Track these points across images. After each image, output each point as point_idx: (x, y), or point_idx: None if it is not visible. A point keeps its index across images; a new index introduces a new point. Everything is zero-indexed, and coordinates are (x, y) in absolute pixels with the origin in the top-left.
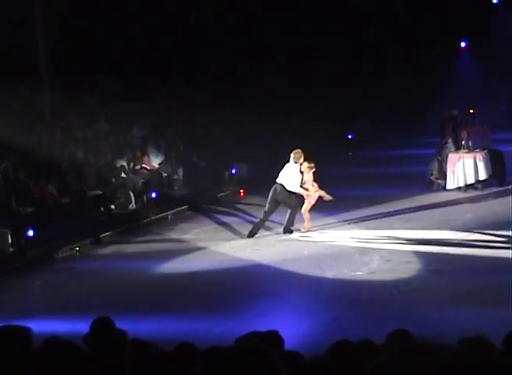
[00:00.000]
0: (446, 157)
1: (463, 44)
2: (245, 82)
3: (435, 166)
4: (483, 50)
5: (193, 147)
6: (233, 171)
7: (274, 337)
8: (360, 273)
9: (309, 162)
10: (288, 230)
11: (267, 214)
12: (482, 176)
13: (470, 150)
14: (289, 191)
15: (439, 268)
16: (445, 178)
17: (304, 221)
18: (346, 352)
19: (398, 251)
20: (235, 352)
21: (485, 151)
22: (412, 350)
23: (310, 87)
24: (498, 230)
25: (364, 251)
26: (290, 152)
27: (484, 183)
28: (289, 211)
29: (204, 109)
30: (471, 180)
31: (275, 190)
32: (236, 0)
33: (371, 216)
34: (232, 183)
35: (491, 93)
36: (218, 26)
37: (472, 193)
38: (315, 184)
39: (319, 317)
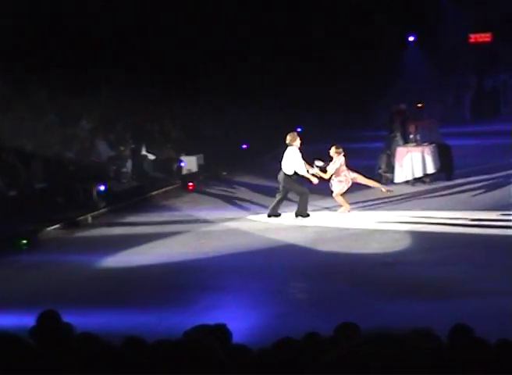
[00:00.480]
0: (395, 151)
1: (411, 39)
2: (194, 76)
3: (384, 159)
4: (431, 44)
5: (142, 140)
6: (182, 164)
7: (222, 331)
8: (303, 262)
9: (336, 147)
10: (300, 214)
11: (279, 197)
12: (430, 169)
13: (418, 144)
14: (292, 176)
15: (389, 261)
16: (393, 172)
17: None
18: (291, 346)
19: (348, 246)
20: (182, 345)
21: (433, 145)
22: (360, 344)
23: (260, 82)
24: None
25: (315, 244)
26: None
27: (432, 177)
28: (299, 197)
29: (154, 102)
30: (418, 173)
31: (280, 175)
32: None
33: (322, 209)
34: (181, 176)
35: (439, 87)
36: (166, 22)
37: (421, 186)
38: (346, 170)
39: (268, 310)
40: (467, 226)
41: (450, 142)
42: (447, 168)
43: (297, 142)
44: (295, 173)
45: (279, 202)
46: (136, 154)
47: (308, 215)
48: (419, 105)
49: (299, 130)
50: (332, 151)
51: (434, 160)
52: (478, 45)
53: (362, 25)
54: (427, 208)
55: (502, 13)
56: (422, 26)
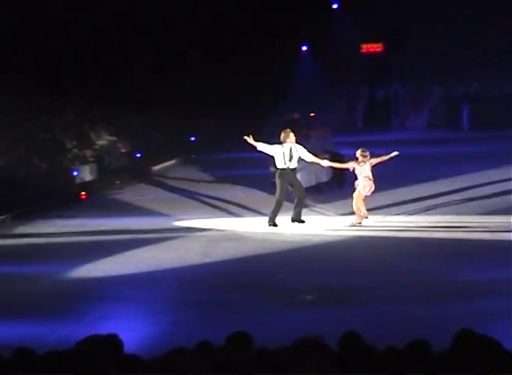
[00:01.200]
0: None
1: (304, 48)
2: (85, 85)
3: None
4: (324, 54)
5: (33, 148)
6: (75, 173)
7: (113, 341)
8: (201, 272)
9: (363, 150)
10: (296, 220)
11: (297, 197)
12: (323, 178)
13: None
14: (283, 172)
15: (283, 269)
16: None
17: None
18: (184, 354)
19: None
20: (71, 355)
21: (326, 154)
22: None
23: (156, 90)
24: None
25: (206, 253)
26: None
27: (325, 186)
28: (295, 199)
29: (45, 110)
30: (312, 182)
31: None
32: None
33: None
34: (74, 185)
35: (332, 96)
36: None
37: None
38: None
39: (162, 319)
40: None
41: (343, 151)
42: (339, 177)
43: (291, 139)
44: (292, 169)
45: (295, 206)
46: (27, 162)
47: (276, 225)
48: (312, 114)
49: (193, 139)
50: (358, 153)
51: (327, 169)
52: (369, 55)
53: (257, 35)
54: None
55: (392, 24)
56: (314, 36)
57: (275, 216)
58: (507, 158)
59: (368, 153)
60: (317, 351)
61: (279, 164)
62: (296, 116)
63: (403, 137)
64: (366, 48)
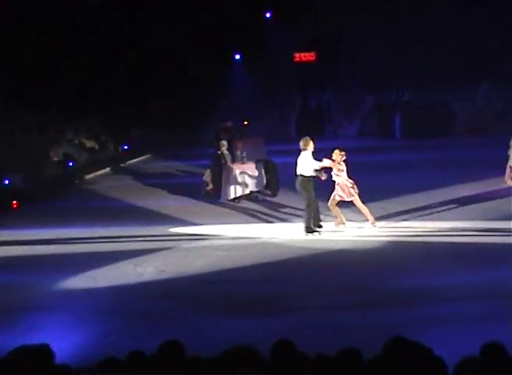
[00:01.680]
0: (221, 168)
1: (237, 57)
2: (16, 92)
3: (210, 177)
4: (257, 63)
5: None
6: (6, 182)
7: (44, 351)
8: (133, 282)
9: (340, 150)
10: (309, 231)
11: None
12: (257, 187)
13: (244, 161)
14: (307, 181)
15: (216, 278)
16: (220, 189)
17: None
18: (115, 364)
19: (175, 263)
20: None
21: (260, 162)
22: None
23: (83, 100)
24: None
25: (138, 263)
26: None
27: (259, 194)
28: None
29: None
30: (245, 191)
31: (297, 181)
32: None
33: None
34: (6, 194)
35: (265, 105)
36: None
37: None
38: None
39: (94, 330)
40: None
41: (276, 160)
42: (273, 185)
43: (311, 146)
44: (312, 177)
45: (315, 213)
46: None
47: (313, 231)
48: (245, 122)
49: (125, 147)
50: (336, 153)
51: (260, 177)
52: (302, 64)
53: (190, 43)
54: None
55: (325, 33)
56: (247, 45)
57: (310, 222)
58: (441, 166)
59: (344, 152)
60: (248, 359)
61: (309, 172)
62: (229, 124)
63: (337, 146)
64: (299, 56)
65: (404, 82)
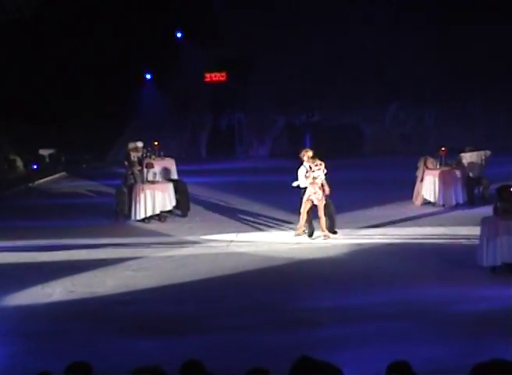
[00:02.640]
0: (132, 188)
1: (148, 77)
2: None
3: (121, 196)
4: (168, 82)
5: None
6: None
7: None
8: (41, 303)
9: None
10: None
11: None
12: (167, 206)
13: (155, 181)
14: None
15: (126, 299)
16: (130, 209)
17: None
18: None
19: (84, 283)
20: None
21: (170, 182)
22: None
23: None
24: None
25: (46, 284)
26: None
27: (169, 214)
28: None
29: None
30: (155, 210)
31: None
32: None
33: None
34: None
35: (176, 125)
36: None
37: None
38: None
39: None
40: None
41: (187, 179)
42: (183, 205)
43: (305, 157)
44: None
45: (329, 219)
46: None
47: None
48: (155, 142)
49: (35, 166)
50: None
51: (170, 197)
52: (213, 84)
53: (100, 60)
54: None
55: (235, 53)
56: (158, 64)
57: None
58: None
59: (318, 162)
60: None
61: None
62: (139, 144)
63: (248, 166)
64: (210, 76)
65: (316, 103)
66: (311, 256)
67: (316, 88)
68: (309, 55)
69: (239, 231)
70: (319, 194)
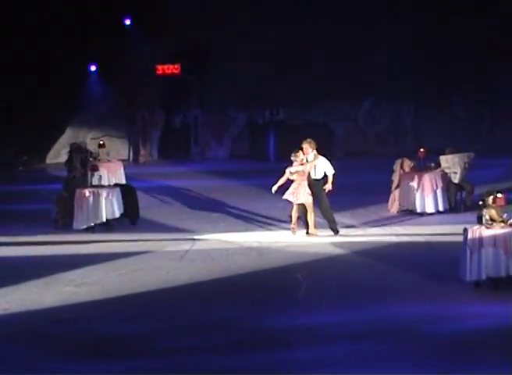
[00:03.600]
0: (73, 193)
1: (93, 68)
2: None
3: (62, 203)
4: (115, 75)
5: None
6: None
7: None
8: None
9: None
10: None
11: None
12: (115, 214)
13: (99, 185)
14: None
15: (66, 317)
16: (72, 217)
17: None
18: None
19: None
20: None
21: (117, 187)
22: None
23: None
24: None
25: None
26: None
27: (116, 222)
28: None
29: None
30: (100, 218)
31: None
32: None
33: None
34: None
35: (124, 123)
36: None
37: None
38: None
39: None
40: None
41: (136, 184)
42: (132, 212)
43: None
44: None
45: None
46: None
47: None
48: (101, 142)
49: None
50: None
51: (118, 203)
52: (166, 77)
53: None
54: None
55: (190, 43)
56: (104, 54)
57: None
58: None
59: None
60: None
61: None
62: (82, 144)
63: (205, 168)
64: (162, 69)
65: (280, 99)
66: (276, 265)
67: (281, 82)
68: (273, 44)
69: (195, 240)
70: (297, 194)
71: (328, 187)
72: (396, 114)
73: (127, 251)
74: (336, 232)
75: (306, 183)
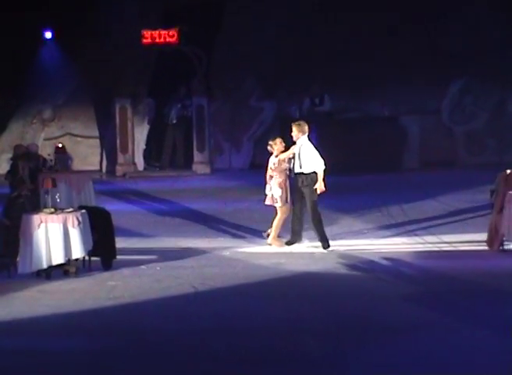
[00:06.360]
0: (18, 220)
1: (48, 35)
2: None
3: (2, 234)
4: (80, 46)
5: None
6: None
7: None
8: None
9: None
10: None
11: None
12: (77, 252)
13: (57, 209)
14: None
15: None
16: (16, 255)
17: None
18: None
19: None
20: None
21: (83, 211)
22: None
23: None
24: None
25: None
26: None
27: (82, 265)
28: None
29: None
30: (58, 259)
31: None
32: None
33: None
34: None
35: (93, 116)
36: None
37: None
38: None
39: None
40: None
41: (111, 207)
42: (105, 249)
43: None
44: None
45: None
46: None
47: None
48: (59, 145)
49: None
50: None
51: (84, 236)
52: (157, 49)
53: None
54: None
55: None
56: (64, 17)
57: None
58: None
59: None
60: None
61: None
62: (32, 147)
63: (213, 185)
64: (151, 36)
65: (325, 82)
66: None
67: (326, 58)
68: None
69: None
70: (273, 195)
71: (320, 186)
72: (499, 104)
73: (98, 305)
74: (326, 247)
75: (280, 180)
